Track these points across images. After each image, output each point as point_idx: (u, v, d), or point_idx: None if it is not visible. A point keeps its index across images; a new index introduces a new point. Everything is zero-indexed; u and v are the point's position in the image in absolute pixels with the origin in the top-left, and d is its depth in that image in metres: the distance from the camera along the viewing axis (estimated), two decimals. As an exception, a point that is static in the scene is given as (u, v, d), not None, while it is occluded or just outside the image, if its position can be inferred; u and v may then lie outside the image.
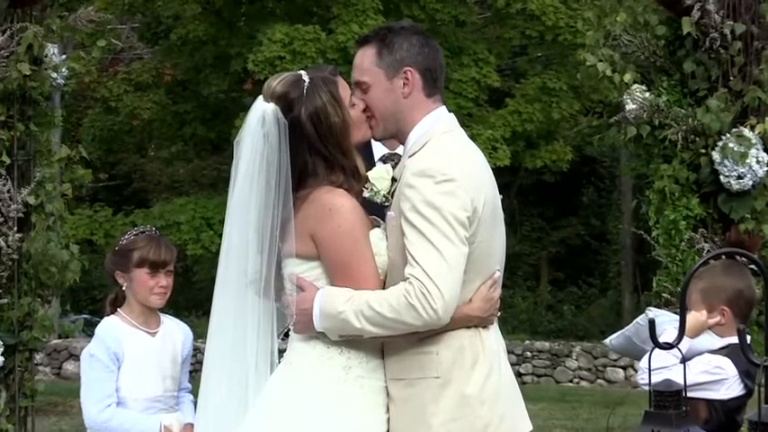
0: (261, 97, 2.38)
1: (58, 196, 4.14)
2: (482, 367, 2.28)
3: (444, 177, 2.24)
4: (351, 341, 2.27)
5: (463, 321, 2.27)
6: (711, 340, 2.90)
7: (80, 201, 15.95)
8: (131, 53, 18.86)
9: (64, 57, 4.27)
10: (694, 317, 2.82)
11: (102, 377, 3.02)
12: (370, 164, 2.77)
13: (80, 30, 4.39)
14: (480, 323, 2.32)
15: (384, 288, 2.28)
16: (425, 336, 2.24)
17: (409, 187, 2.24)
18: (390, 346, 2.30)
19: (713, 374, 2.81)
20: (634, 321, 3.15)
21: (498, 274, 2.38)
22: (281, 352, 2.39)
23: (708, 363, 2.83)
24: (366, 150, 2.82)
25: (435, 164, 2.27)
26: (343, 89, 2.38)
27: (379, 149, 3.05)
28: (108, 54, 15.74)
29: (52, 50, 4.15)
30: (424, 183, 2.23)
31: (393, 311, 2.17)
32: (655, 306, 3.81)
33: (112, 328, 3.10)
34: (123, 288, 3.10)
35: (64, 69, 4.21)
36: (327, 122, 2.30)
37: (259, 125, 2.32)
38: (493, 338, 2.37)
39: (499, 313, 2.43)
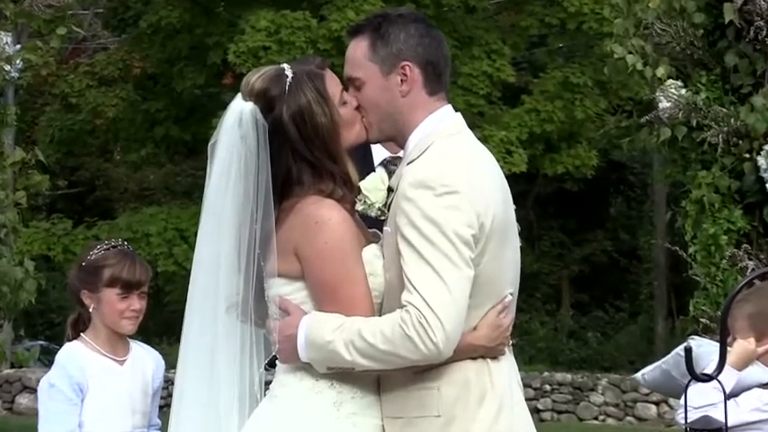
0: (239, 95, 2.35)
1: (10, 206, 4.13)
2: (491, 404, 2.25)
3: (446, 189, 2.20)
4: (342, 374, 2.25)
5: (468, 352, 2.24)
6: (763, 373, 2.90)
7: (36, 211, 15.96)
8: (95, 43, 18.90)
9: (18, 47, 4.28)
10: (742, 346, 2.81)
11: (63, 410, 2.99)
12: (369, 169, 2.77)
13: (37, 16, 4.40)
14: (488, 353, 2.30)
15: (380, 314, 2.26)
16: (425, 369, 2.22)
17: (406, 200, 2.21)
18: (387, 380, 2.29)
19: (766, 412, 2.81)
20: (673, 352, 3.09)
21: (510, 298, 2.35)
22: (268, 384, 2.39)
23: (759, 399, 2.83)
24: (363, 153, 2.81)
25: (436, 173, 2.23)
26: (333, 84, 2.35)
27: (379, 153, 3.03)
28: (68, 44, 15.78)
29: (5, 39, 4.15)
30: (422, 195, 2.20)
31: (387, 343, 2.15)
32: (695, 333, 3.77)
33: (75, 355, 3.07)
34: (90, 310, 3.07)
35: (18, 61, 4.22)
36: (313, 123, 2.27)
37: (236, 126, 2.30)
38: (504, 371, 2.34)
39: (511, 342, 2.40)
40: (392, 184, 2.37)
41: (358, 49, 2.34)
